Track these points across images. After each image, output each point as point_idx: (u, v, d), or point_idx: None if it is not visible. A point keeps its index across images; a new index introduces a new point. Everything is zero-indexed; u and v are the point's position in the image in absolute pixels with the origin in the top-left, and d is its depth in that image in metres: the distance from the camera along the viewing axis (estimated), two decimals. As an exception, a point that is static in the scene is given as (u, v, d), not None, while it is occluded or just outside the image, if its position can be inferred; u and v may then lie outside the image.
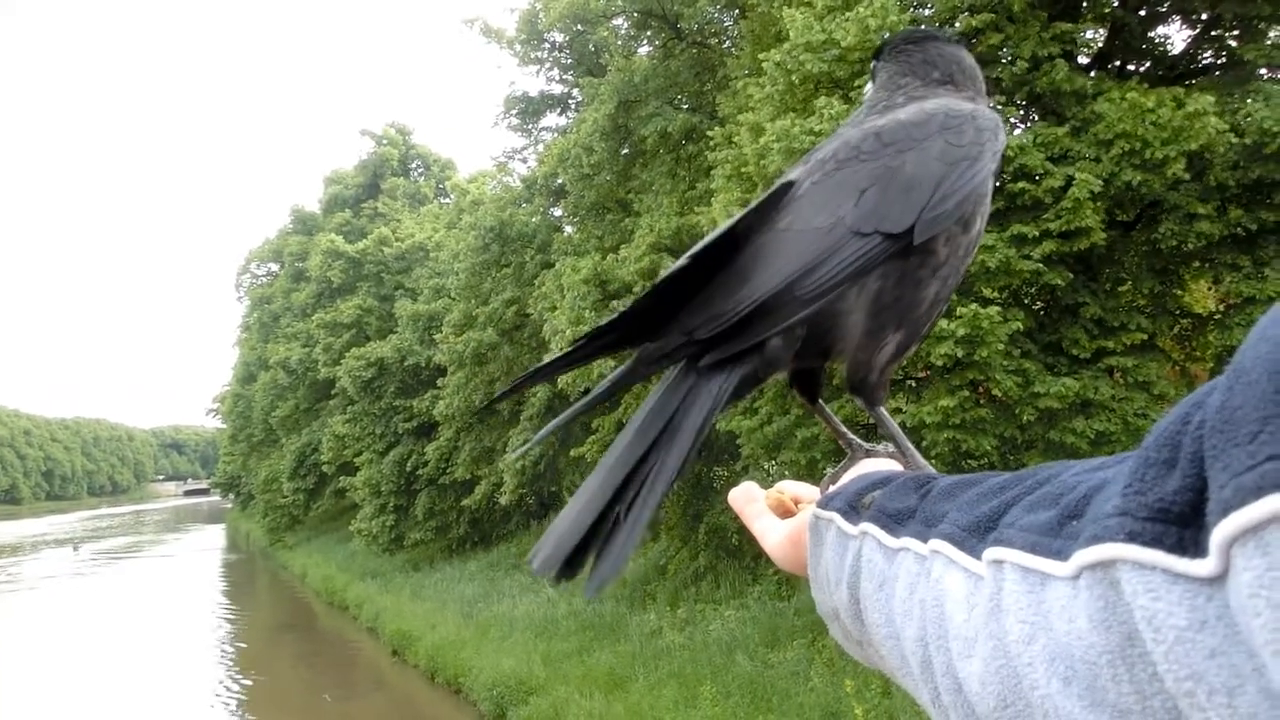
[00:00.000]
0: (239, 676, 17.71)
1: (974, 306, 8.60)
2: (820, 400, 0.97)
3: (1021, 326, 9.00)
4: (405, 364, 24.82)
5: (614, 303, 14.37)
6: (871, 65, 1.11)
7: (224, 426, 48.01)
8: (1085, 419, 8.93)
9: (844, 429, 0.97)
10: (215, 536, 54.73)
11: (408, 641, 17.33)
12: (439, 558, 23.16)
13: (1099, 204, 8.89)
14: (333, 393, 28.93)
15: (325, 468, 28.99)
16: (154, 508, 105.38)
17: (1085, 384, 9.01)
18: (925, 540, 0.64)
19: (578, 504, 0.75)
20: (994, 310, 8.64)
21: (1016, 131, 9.75)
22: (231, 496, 56.66)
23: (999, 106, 9.73)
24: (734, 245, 0.86)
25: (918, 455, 0.87)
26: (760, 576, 12.96)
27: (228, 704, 15.71)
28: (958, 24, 9.69)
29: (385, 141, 37.54)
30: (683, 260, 0.82)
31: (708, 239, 0.85)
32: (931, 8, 10.06)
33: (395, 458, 24.40)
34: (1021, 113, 10.44)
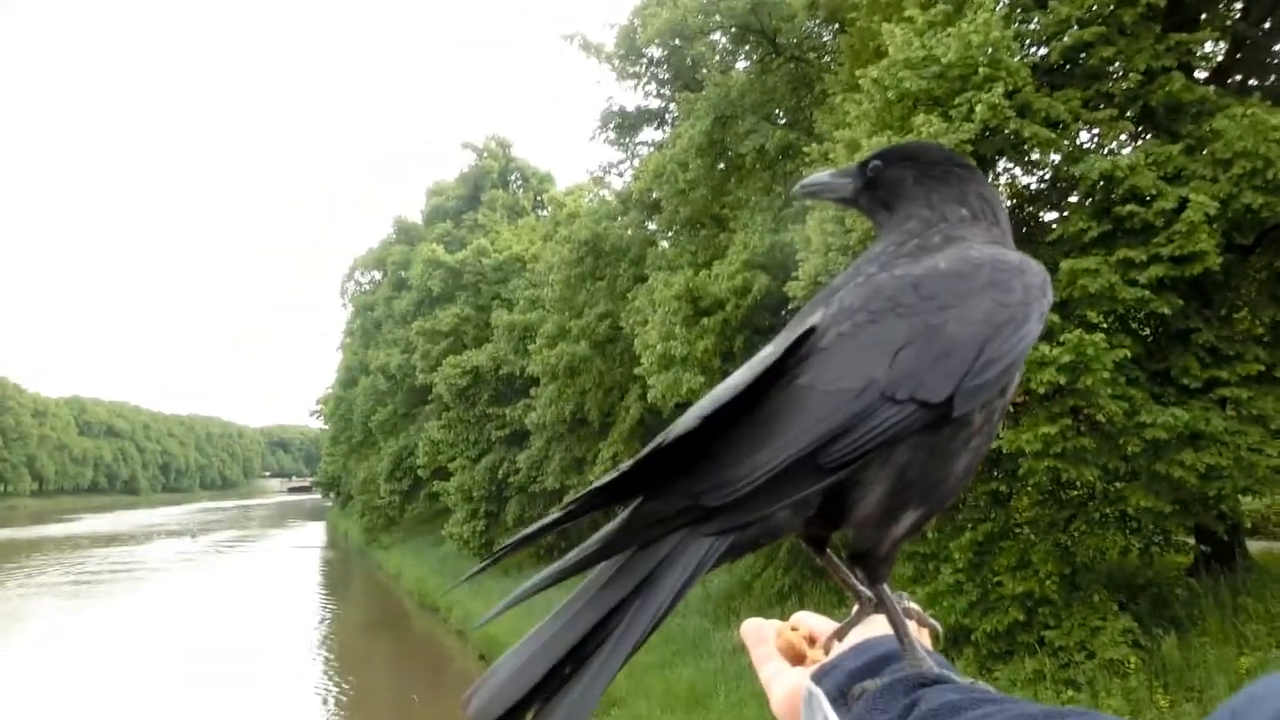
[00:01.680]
0: (333, 672, 18.24)
1: (1078, 333, 8.29)
2: (829, 551, 0.88)
3: (1129, 354, 8.64)
4: (500, 373, 25.23)
5: (704, 319, 14.35)
6: (871, 164, 0.97)
7: (326, 428, 49.62)
8: (1195, 452, 8.51)
9: (854, 581, 0.89)
10: (316, 533, 56.52)
11: (495, 646, 17.54)
12: (528, 565, 23.33)
13: (1215, 227, 8.48)
14: (429, 399, 29.61)
15: (420, 471, 29.66)
16: (260, 503, 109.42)
17: (1196, 415, 8.60)
18: None
19: (529, 649, 0.67)
20: (1099, 337, 8.32)
21: (1126, 150, 9.38)
22: (332, 495, 58.40)
23: (1111, 120, 9.40)
24: (749, 397, 0.76)
25: (918, 646, 0.78)
26: (846, 600, 12.74)
27: (320, 698, 16.20)
28: (1066, 38, 9.39)
29: (486, 154, 38.30)
30: (691, 419, 0.72)
31: (722, 393, 0.75)
32: (1037, 22, 9.76)
33: (488, 464, 24.81)
34: (1135, 128, 10.05)
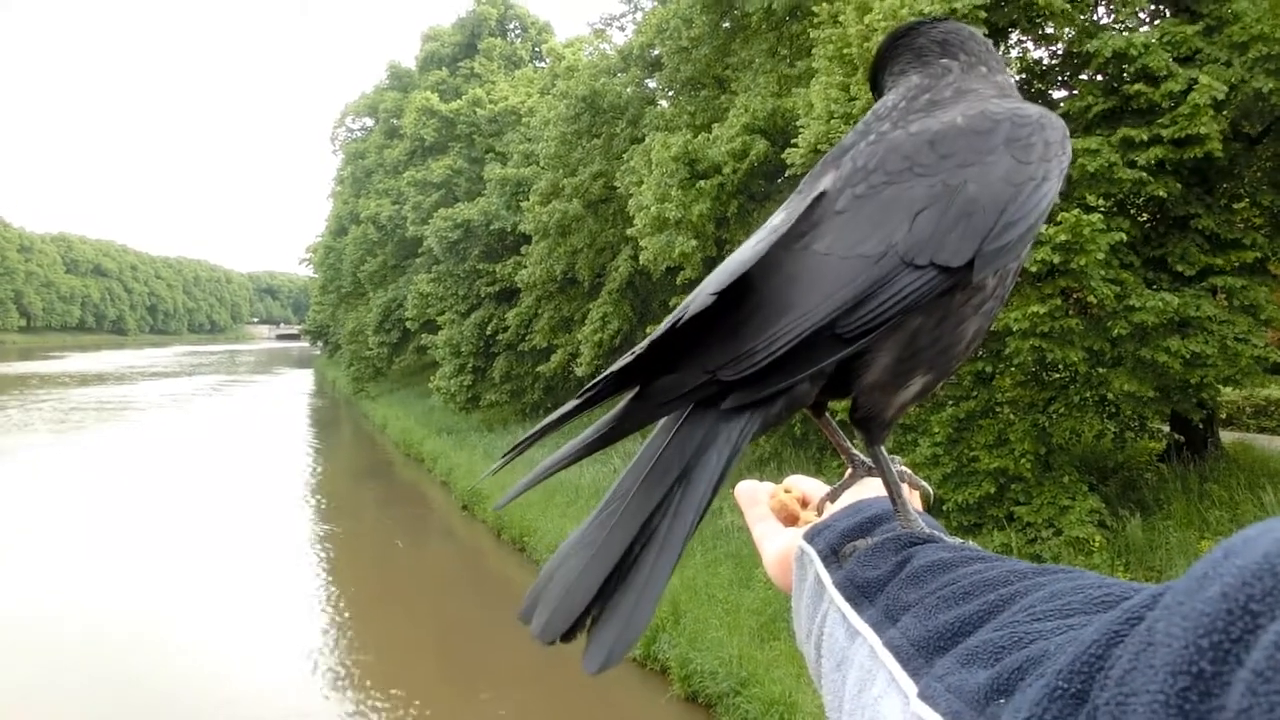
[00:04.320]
0: (319, 517, 18.69)
1: (1076, 212, 8.19)
2: (827, 412, 0.87)
3: (1125, 237, 8.56)
4: (491, 228, 24.93)
5: (700, 183, 14.09)
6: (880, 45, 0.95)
7: (315, 276, 49.35)
8: (1181, 339, 8.56)
9: (848, 444, 0.89)
10: (304, 381, 57.01)
11: (477, 498, 17.99)
12: (512, 420, 23.75)
13: (1224, 113, 8.27)
14: (419, 251, 29.35)
15: (409, 324, 29.64)
16: (248, 348, 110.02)
17: (1186, 301, 8.60)
18: (882, 635, 0.61)
19: (580, 558, 0.64)
20: (1096, 218, 8.22)
21: (1144, 29, 9.04)
22: (320, 344, 58.66)
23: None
24: (761, 265, 0.73)
25: (910, 507, 0.78)
26: (825, 467, 13.01)
27: (306, 541, 16.63)
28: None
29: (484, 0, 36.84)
30: (706, 297, 0.68)
31: (735, 266, 0.71)
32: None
33: (476, 320, 24.81)
34: (1152, 7, 9.68)
